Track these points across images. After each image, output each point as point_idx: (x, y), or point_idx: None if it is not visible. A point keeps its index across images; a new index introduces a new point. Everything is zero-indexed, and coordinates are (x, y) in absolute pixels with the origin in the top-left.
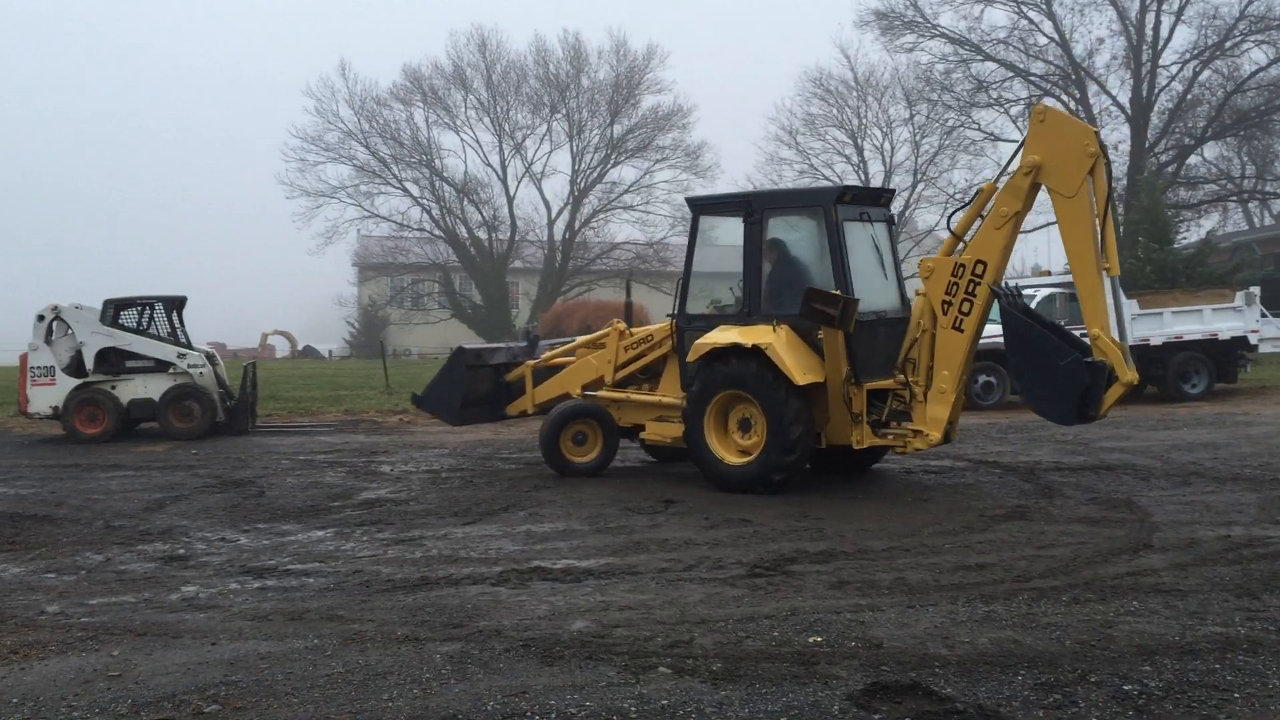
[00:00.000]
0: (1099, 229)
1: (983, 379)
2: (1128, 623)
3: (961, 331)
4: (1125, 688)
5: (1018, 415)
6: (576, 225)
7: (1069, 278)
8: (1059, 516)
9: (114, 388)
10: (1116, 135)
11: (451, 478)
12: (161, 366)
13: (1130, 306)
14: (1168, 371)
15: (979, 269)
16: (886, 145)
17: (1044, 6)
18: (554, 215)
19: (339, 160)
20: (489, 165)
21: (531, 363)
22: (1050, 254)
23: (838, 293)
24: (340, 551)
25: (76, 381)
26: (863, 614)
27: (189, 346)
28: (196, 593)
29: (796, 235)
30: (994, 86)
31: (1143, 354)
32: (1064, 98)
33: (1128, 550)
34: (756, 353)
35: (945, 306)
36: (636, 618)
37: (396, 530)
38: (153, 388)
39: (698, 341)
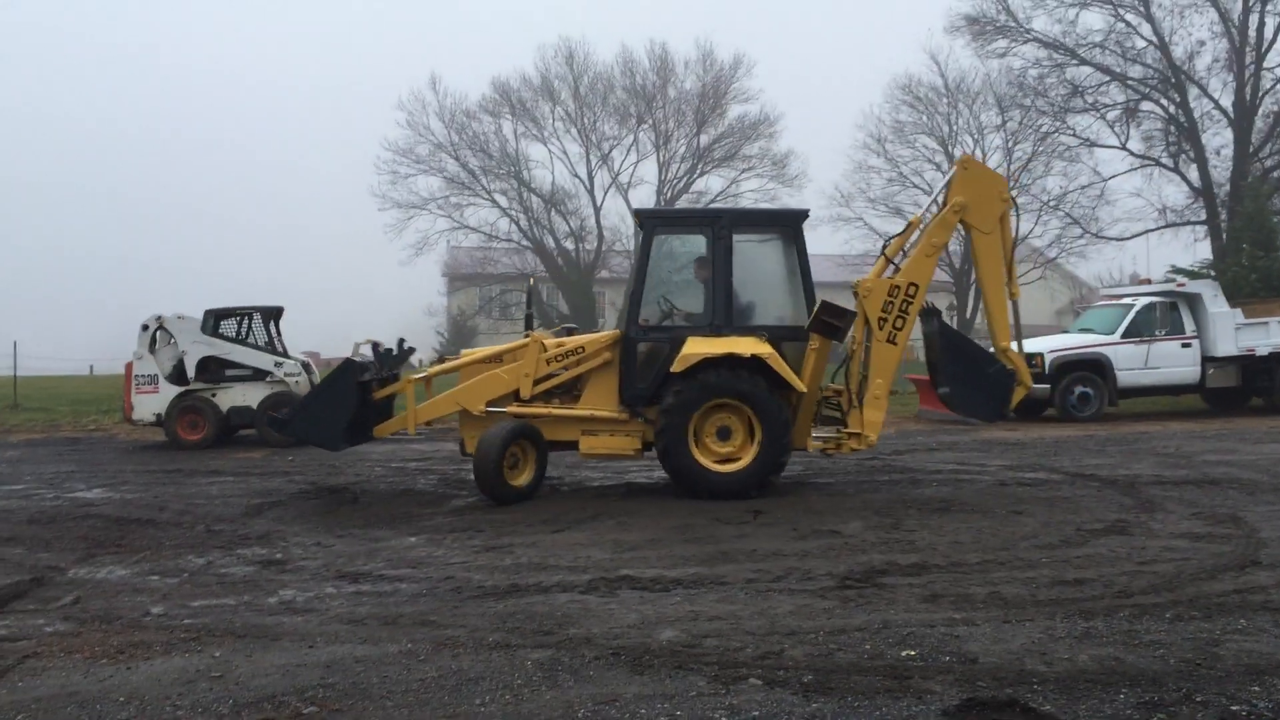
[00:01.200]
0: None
1: (1079, 390)
2: (1234, 641)
3: (895, 344)
4: (1233, 708)
5: (1115, 427)
6: None
7: (1168, 286)
8: (1161, 531)
9: (214, 395)
10: (1219, 140)
11: (540, 486)
12: (259, 375)
13: (1235, 316)
14: (1275, 383)
15: (911, 290)
16: (978, 152)
17: (1142, 9)
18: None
19: (429, 172)
20: (576, 176)
21: (414, 377)
22: (1149, 263)
23: (847, 307)
24: (432, 558)
25: (179, 389)
26: (957, 628)
27: (285, 355)
28: (294, 596)
29: (760, 252)
30: (1090, 91)
31: (1249, 365)
32: (1163, 102)
33: (1234, 566)
34: (756, 362)
35: (881, 322)
36: (726, 628)
37: (487, 537)
38: (251, 395)
39: (686, 352)
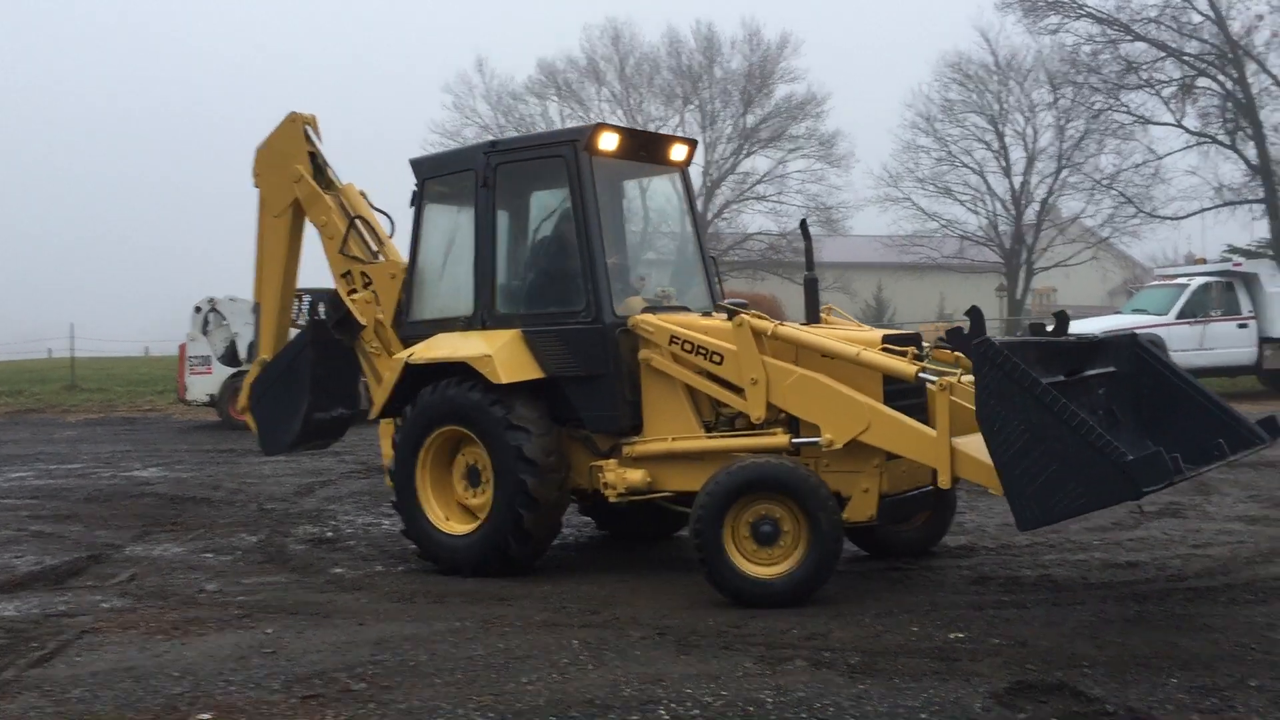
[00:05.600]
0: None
1: None
2: None
3: None
4: None
5: None
6: (709, 216)
7: (1225, 265)
8: (1216, 515)
9: None
10: (1278, 116)
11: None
12: None
13: None
14: None
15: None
16: (1029, 130)
17: None
18: None
19: None
20: None
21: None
22: (1205, 243)
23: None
24: None
25: (231, 370)
26: (1006, 610)
27: None
28: (344, 574)
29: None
30: (1144, 67)
31: None
32: (1220, 78)
33: None
34: None
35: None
36: (773, 610)
37: None
38: None
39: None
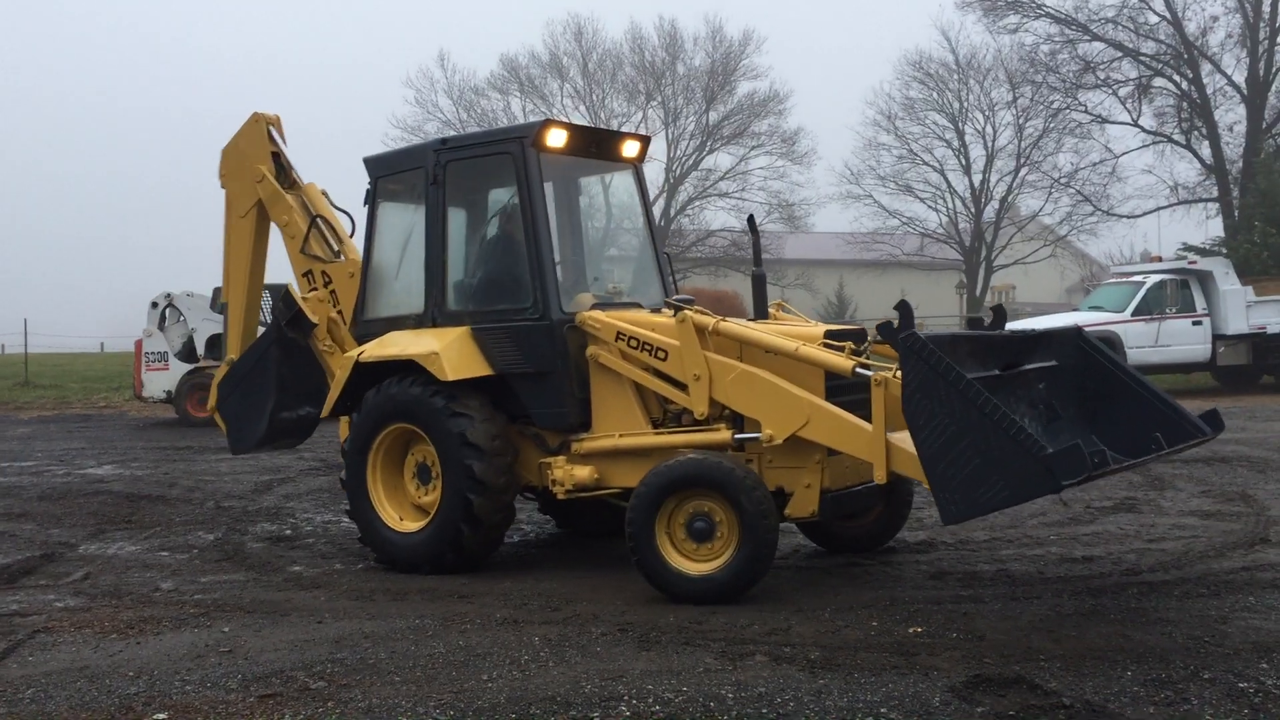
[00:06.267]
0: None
1: None
2: (1243, 619)
3: None
4: (1240, 685)
5: None
6: (672, 213)
7: (1180, 263)
8: (1170, 509)
9: None
10: (1232, 116)
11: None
12: None
13: (1246, 294)
14: None
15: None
16: (988, 129)
17: None
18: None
19: None
20: None
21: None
22: (1160, 241)
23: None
24: None
25: (188, 366)
26: (964, 605)
27: None
28: (302, 572)
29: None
30: (1102, 67)
31: (1259, 343)
32: (1176, 78)
33: (1243, 544)
34: None
35: None
36: (732, 605)
37: None
38: None
39: None
